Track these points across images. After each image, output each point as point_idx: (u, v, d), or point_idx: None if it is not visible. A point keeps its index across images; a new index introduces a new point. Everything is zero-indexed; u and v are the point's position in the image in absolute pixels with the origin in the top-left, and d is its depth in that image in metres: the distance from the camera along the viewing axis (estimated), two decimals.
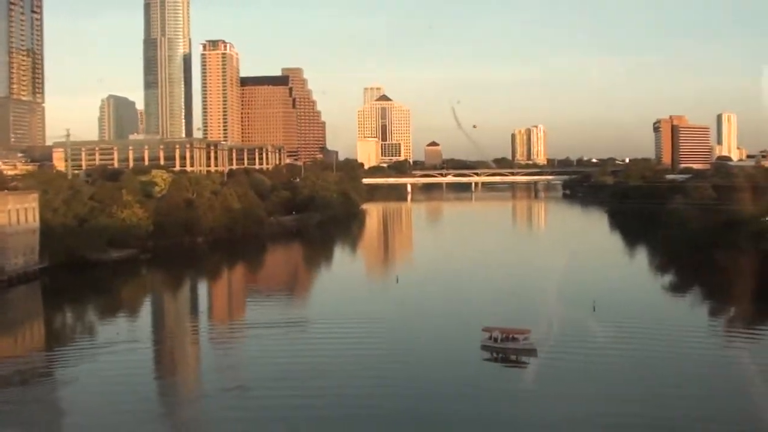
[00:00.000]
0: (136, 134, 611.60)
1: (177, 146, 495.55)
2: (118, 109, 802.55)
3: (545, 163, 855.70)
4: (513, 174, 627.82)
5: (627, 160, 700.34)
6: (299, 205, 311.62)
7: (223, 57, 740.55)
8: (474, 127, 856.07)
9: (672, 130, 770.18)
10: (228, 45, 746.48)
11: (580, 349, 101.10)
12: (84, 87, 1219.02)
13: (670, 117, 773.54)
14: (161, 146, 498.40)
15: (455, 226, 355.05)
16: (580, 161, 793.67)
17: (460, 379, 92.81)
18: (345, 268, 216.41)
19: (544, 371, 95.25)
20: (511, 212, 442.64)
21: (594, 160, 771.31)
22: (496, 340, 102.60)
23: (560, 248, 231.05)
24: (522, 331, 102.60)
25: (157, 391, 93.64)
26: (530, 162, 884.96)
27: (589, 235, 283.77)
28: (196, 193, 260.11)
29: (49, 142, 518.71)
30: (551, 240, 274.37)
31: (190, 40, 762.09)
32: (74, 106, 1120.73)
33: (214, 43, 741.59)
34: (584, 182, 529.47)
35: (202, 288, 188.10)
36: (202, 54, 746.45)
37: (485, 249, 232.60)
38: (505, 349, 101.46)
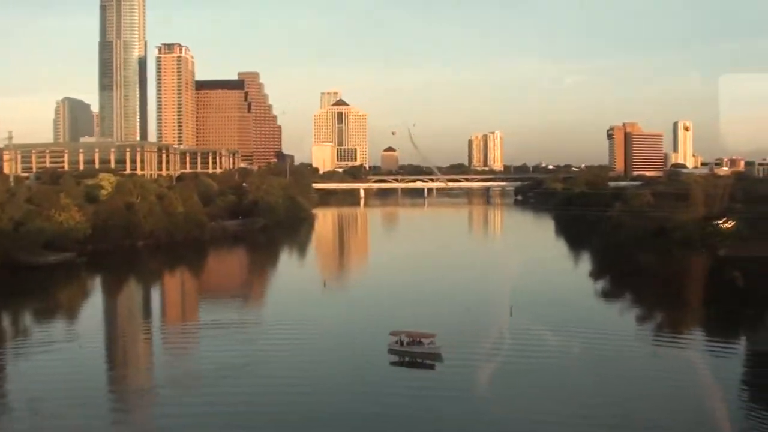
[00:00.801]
0: (86, 137, 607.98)
1: (128, 149, 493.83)
2: (73, 111, 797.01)
3: (502, 169, 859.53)
4: (467, 180, 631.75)
5: (583, 167, 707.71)
6: (244, 210, 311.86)
7: (178, 60, 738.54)
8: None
9: (625, 138, 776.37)
10: (183, 48, 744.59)
11: (487, 353, 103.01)
12: (40, 88, 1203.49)
13: (623, 124, 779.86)
14: (112, 149, 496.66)
15: (399, 232, 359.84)
16: (536, 168, 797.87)
17: (364, 382, 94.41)
18: (274, 272, 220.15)
19: (452, 375, 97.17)
20: (459, 218, 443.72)
21: (550, 167, 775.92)
22: (402, 343, 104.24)
23: (496, 254, 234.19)
24: (427, 335, 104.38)
25: (79, 390, 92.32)
26: (486, 168, 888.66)
27: (528, 241, 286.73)
28: (140, 196, 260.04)
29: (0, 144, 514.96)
30: (488, 246, 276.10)
31: (146, 42, 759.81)
32: (30, 107, 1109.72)
33: (169, 47, 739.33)
34: (535, 189, 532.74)
35: (129, 291, 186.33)
36: (157, 57, 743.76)
37: (421, 255, 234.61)
38: (411, 353, 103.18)
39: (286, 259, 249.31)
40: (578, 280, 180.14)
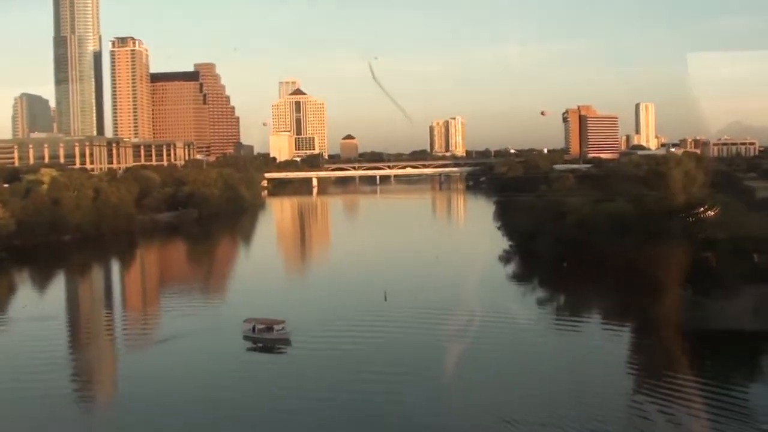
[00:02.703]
0: (37, 132, 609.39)
1: (77, 144, 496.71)
2: (31, 106, 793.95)
3: (464, 154, 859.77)
4: (425, 166, 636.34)
5: (546, 151, 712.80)
6: (181, 202, 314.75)
7: (132, 53, 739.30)
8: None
9: (580, 120, 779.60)
10: (137, 41, 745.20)
11: (341, 338, 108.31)
12: None
13: (578, 107, 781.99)
14: (61, 144, 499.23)
15: (336, 220, 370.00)
16: (498, 152, 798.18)
17: (216, 366, 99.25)
18: (181, 262, 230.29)
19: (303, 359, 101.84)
20: (403, 205, 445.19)
21: (512, 151, 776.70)
22: (255, 330, 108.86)
23: (414, 240, 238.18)
24: (278, 321, 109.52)
25: None
26: (448, 154, 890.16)
27: (455, 227, 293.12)
28: (76, 191, 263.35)
29: None
30: (413, 232, 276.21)
31: (100, 37, 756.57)
32: None
33: (122, 40, 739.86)
34: (486, 174, 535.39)
35: (37, 282, 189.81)
36: (111, 51, 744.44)
37: (339, 243, 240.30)
38: (263, 339, 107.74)
39: (200, 250, 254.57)
40: (475, 265, 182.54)
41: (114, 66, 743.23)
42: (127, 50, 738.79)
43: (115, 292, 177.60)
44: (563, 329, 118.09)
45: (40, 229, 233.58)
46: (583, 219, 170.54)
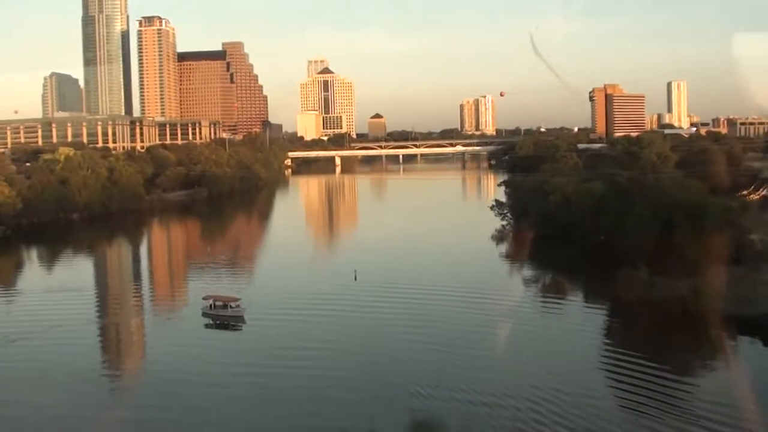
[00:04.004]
0: (60, 112, 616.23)
1: (99, 123, 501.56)
2: (60, 86, 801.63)
3: (494, 133, 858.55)
4: (452, 145, 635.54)
5: (576, 129, 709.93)
6: (193, 181, 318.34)
7: (158, 33, 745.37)
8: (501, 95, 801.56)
9: (606, 99, 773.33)
10: (164, 21, 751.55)
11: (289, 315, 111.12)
12: (28, 63, 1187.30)
13: (604, 86, 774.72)
14: (84, 123, 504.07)
15: (342, 201, 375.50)
16: (528, 131, 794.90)
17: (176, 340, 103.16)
18: (170, 241, 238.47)
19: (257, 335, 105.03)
20: (422, 184, 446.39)
21: (543, 130, 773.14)
22: (212, 307, 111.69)
23: (410, 219, 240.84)
24: (233, 299, 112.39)
25: None
26: (478, 132, 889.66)
27: (461, 204, 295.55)
28: (90, 169, 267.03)
29: None
30: (414, 211, 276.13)
31: (128, 16, 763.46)
32: (19, 82, 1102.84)
33: (149, 20, 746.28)
34: (509, 153, 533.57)
35: (32, 260, 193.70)
36: (138, 30, 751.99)
37: (333, 224, 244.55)
38: (219, 316, 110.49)
39: (202, 228, 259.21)
40: (464, 244, 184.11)
41: (141, 45, 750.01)
42: (153, 29, 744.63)
43: (102, 267, 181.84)
44: (519, 307, 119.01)
45: (47, 207, 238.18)
46: (566, 199, 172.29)
